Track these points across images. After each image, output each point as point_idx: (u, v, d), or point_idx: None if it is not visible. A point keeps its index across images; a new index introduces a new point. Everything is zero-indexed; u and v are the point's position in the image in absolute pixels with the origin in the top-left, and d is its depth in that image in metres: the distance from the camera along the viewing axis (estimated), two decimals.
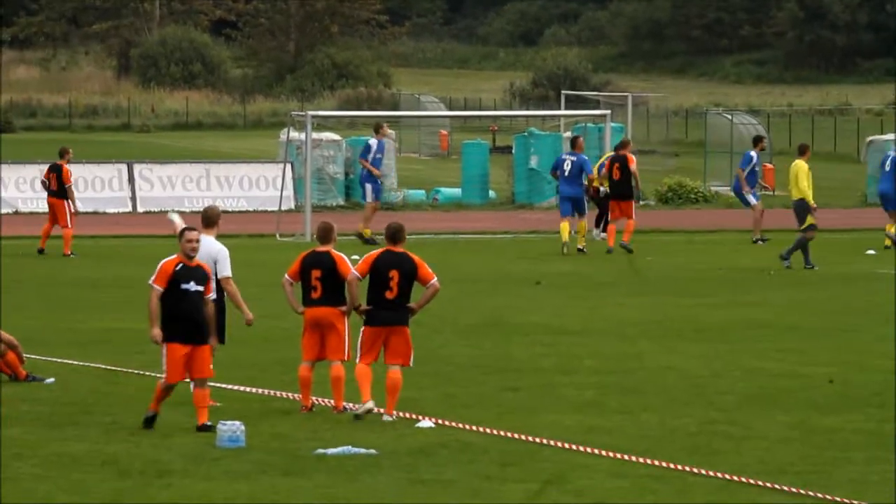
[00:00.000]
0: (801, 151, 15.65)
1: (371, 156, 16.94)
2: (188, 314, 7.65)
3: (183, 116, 46.30)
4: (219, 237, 8.64)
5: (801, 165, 15.26)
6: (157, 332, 7.68)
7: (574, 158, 16.91)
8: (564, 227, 16.71)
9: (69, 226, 16.12)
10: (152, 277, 7.81)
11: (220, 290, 8.38)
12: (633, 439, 7.81)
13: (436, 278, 8.20)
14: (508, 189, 24.15)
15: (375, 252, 8.23)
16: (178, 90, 50.15)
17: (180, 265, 7.73)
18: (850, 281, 14.65)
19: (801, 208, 15.08)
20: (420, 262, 8.20)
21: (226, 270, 8.45)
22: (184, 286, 7.67)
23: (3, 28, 56.27)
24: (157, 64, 51.88)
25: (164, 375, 7.80)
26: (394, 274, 8.11)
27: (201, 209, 18.46)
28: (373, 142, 17.01)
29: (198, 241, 7.77)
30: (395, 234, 8.24)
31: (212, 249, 8.47)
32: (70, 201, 16.16)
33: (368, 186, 17.11)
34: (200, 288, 7.65)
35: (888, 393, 8.97)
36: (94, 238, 18.49)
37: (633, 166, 17.05)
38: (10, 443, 7.63)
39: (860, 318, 12.24)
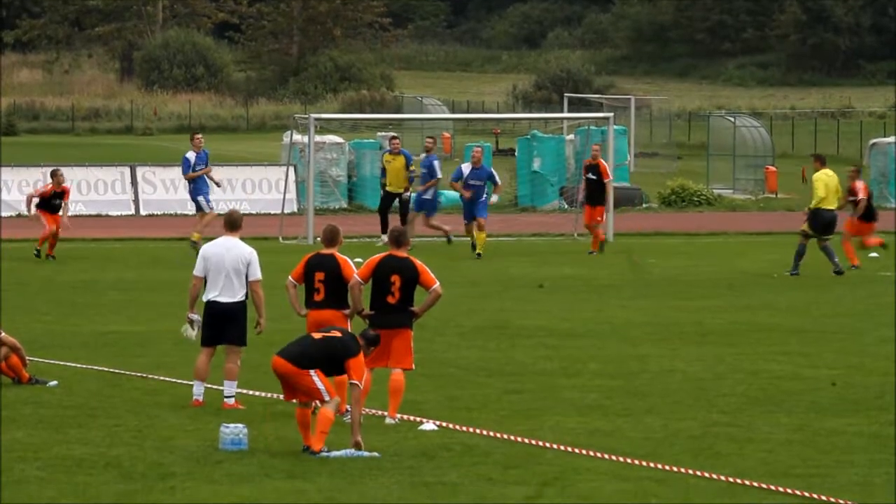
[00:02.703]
0: (823, 161, 15.34)
1: (191, 169, 16.41)
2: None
3: (186, 119, 46.12)
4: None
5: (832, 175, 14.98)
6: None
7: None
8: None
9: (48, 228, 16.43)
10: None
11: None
12: (636, 442, 7.80)
13: (438, 284, 8.13)
14: (511, 192, 24.12)
15: (378, 257, 8.20)
16: (180, 93, 50.04)
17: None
18: (852, 283, 14.61)
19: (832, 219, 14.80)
20: (422, 267, 8.15)
21: (257, 273, 8.50)
22: None
23: (6, 31, 56.11)
24: (159, 67, 51.65)
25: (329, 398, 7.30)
26: (395, 279, 8.08)
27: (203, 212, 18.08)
28: (190, 155, 16.61)
29: None
30: (397, 239, 8.20)
31: (244, 252, 8.51)
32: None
33: (201, 199, 16.51)
34: None
35: (890, 395, 8.96)
36: (96, 241, 18.54)
37: (608, 180, 17.05)
38: (14, 446, 7.64)
39: (862, 320, 12.22)
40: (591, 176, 17.21)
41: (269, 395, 8.88)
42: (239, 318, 8.49)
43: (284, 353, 7.52)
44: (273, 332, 9.22)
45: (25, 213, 17.48)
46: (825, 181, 14.88)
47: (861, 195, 15.58)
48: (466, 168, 16.86)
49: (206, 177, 16.74)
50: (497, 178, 17.00)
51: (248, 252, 8.48)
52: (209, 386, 8.76)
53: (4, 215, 21.27)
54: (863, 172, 17.00)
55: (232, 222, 8.54)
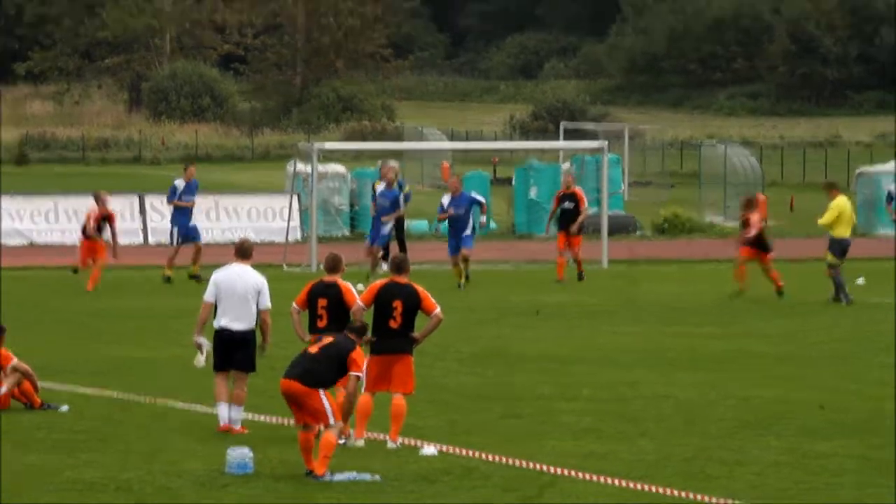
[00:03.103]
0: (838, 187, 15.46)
1: (176, 197, 16.66)
2: None
3: (192, 149, 46.27)
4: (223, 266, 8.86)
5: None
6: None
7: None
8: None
9: (85, 263, 16.13)
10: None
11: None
12: (630, 465, 7.90)
13: (439, 309, 8.28)
14: (509, 220, 24.44)
15: (380, 282, 8.37)
16: (187, 123, 50.40)
17: None
18: (840, 310, 14.79)
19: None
20: (424, 292, 8.32)
21: (268, 302, 8.61)
22: None
23: (19, 63, 56.23)
24: (167, 97, 52.08)
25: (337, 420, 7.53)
26: (397, 304, 8.23)
27: (213, 241, 18.21)
28: (178, 182, 16.90)
29: None
30: (399, 265, 8.34)
31: (256, 280, 8.59)
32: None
33: (175, 230, 16.74)
34: None
35: (879, 419, 9.13)
36: (106, 269, 18.53)
37: (584, 208, 17.07)
38: (26, 469, 7.76)
39: (851, 346, 12.41)
40: (567, 205, 17.00)
41: (274, 419, 9.06)
42: (249, 345, 8.69)
43: (291, 374, 7.73)
44: (277, 358, 9.39)
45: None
46: (841, 208, 15.02)
47: (753, 230, 15.75)
48: (447, 199, 16.56)
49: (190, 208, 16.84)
50: (480, 199, 16.55)
51: (260, 280, 8.64)
52: (210, 411, 8.95)
53: (16, 244, 21.52)
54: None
55: (243, 250, 8.72)
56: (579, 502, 7.18)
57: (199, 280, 16.25)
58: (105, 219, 16.28)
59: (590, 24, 67.62)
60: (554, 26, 69.64)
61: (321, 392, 7.71)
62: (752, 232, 15.49)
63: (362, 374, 7.82)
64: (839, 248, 15.01)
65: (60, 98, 56.70)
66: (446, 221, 16.51)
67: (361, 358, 7.83)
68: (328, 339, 7.82)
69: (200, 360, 8.84)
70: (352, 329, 7.92)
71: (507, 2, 70.99)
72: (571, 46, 68.34)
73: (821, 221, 15.14)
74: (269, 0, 56.29)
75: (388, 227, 17.31)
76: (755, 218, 15.73)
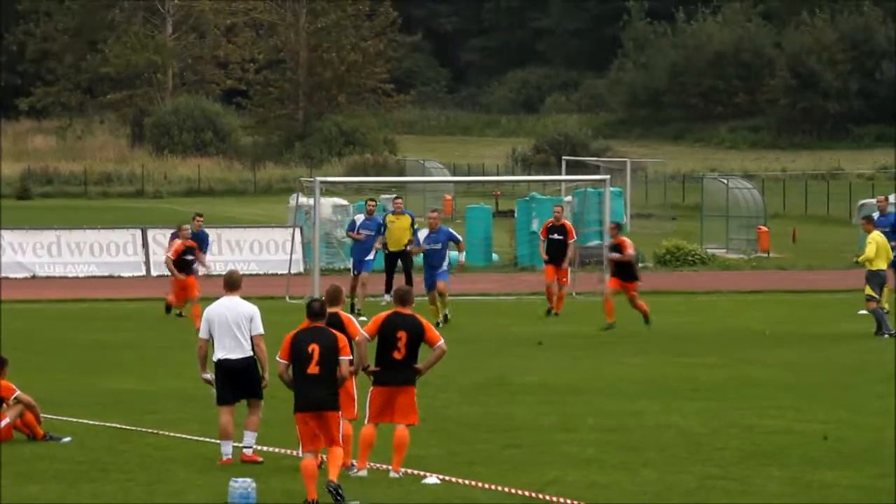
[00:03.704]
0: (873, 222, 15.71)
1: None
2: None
3: (195, 183, 46.58)
4: None
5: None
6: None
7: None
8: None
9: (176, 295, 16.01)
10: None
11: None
12: (633, 495, 7.91)
13: (442, 340, 8.31)
14: (511, 252, 24.58)
15: (384, 314, 8.40)
16: (190, 157, 50.67)
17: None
18: (841, 340, 14.86)
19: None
20: (427, 324, 8.37)
21: (259, 328, 8.70)
22: None
23: (22, 98, 56.71)
24: (169, 132, 52.45)
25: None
26: (401, 335, 8.28)
27: (213, 273, 16.62)
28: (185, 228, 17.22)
29: None
30: (403, 297, 8.37)
31: (246, 309, 8.71)
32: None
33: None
34: None
35: (881, 449, 9.12)
36: (109, 301, 18.88)
37: (572, 241, 17.15)
38: (29, 500, 7.83)
39: (852, 376, 12.43)
40: (556, 237, 17.01)
41: (276, 449, 9.10)
42: (251, 373, 8.78)
43: (314, 405, 7.80)
44: (281, 388, 9.31)
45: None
46: (878, 241, 15.08)
47: (629, 251, 15.74)
48: (423, 234, 16.57)
49: (198, 259, 17.05)
50: (458, 236, 16.35)
51: (251, 308, 8.76)
52: (212, 441, 9.00)
53: (21, 276, 21.64)
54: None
55: (231, 282, 8.81)
56: None
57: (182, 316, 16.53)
58: (191, 250, 16.42)
59: (591, 60, 67.84)
60: (555, 61, 69.96)
61: (340, 414, 7.88)
62: (629, 251, 15.52)
63: (352, 356, 7.95)
64: (878, 280, 15.05)
65: (63, 133, 57.14)
66: (422, 256, 16.38)
67: (344, 339, 7.98)
68: (314, 349, 7.85)
69: (213, 392, 8.95)
70: (312, 314, 7.97)
71: (509, 37, 71.42)
72: (572, 81, 68.50)
73: (863, 258, 15.15)
74: (271, 35, 56.76)
75: (372, 254, 17.43)
76: (628, 241, 15.80)
